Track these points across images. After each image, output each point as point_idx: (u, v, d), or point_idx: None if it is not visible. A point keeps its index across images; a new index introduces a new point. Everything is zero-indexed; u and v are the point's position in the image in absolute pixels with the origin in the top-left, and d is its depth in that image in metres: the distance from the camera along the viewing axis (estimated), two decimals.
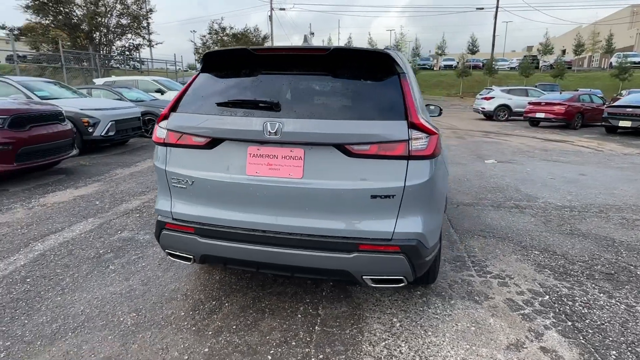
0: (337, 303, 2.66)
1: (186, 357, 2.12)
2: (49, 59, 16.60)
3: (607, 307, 2.64)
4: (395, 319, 2.48)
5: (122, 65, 20.09)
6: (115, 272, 3.07)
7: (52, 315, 2.49)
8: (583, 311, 2.59)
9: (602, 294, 2.82)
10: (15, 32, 16.96)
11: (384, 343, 2.25)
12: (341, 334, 2.32)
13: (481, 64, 42.11)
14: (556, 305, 2.66)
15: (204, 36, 31.91)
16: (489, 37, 39.89)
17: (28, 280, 2.92)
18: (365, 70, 2.20)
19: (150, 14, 21.75)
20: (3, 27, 16.05)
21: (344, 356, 2.14)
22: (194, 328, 2.37)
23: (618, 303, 2.70)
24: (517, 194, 5.51)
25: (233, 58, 2.33)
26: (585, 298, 2.76)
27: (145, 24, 21.67)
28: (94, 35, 18.83)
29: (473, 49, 40.96)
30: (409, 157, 2.00)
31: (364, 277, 2.11)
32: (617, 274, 3.12)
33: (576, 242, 3.79)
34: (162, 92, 13.05)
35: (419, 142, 2.02)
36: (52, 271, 3.06)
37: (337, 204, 2.05)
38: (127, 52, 21.59)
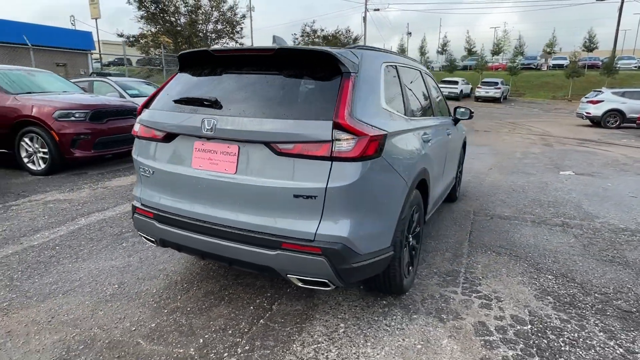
0: (295, 301, 2.68)
1: (134, 329, 2.35)
2: (152, 61, 19.00)
3: (598, 348, 2.24)
4: (342, 324, 2.42)
5: None
6: (125, 249, 3.48)
7: (57, 278, 2.94)
8: (562, 348, 2.23)
9: (602, 333, 2.38)
10: (131, 39, 19.88)
11: (315, 346, 2.22)
12: (280, 331, 2.35)
13: (599, 63, 36.91)
14: (533, 337, 2.33)
15: (297, 39, 33.35)
16: (612, 33, 34.60)
17: (57, 247, 3.47)
18: (308, 70, 2.19)
19: (243, 19, 23.59)
20: (120, 35, 18.92)
21: (269, 351, 2.17)
22: (155, 305, 2.61)
23: (616, 346, 2.26)
24: (574, 211, 4.83)
25: (199, 59, 2.50)
26: (576, 334, 2.37)
27: (239, 29, 23.59)
28: (194, 40, 21.03)
29: (590, 46, 36.13)
30: (332, 158, 1.96)
31: (288, 275, 2.11)
32: (637, 313, 2.60)
33: (610, 271, 3.23)
34: None
35: (345, 144, 1.95)
36: (78, 242, 3.59)
37: (263, 201, 2.09)
38: None
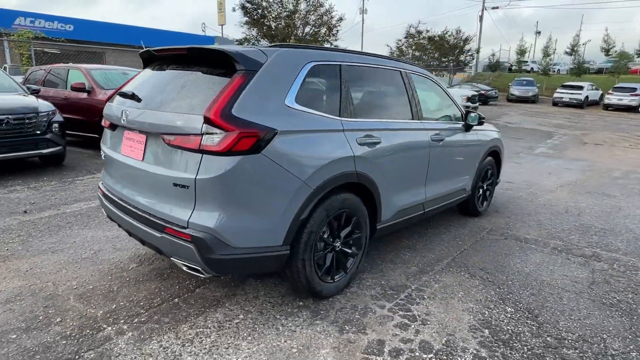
0: (220, 288, 2.81)
1: (75, 288, 2.76)
2: None
3: None
4: (242, 316, 2.49)
5: None
6: None
7: (58, 240, 3.56)
8: None
9: None
10: (235, 43, 22.01)
11: (200, 330, 2.34)
12: (183, 311, 2.52)
13: None
14: None
15: (400, 40, 32.74)
16: None
17: (79, 216, 4.17)
18: (212, 68, 2.31)
19: (340, 22, 24.09)
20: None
21: (158, 326, 2.36)
22: (107, 271, 3.00)
23: None
24: (622, 244, 3.99)
25: (148, 57, 2.80)
26: None
27: (335, 32, 24.17)
28: (288, 42, 22.41)
29: None
30: (201, 151, 2.05)
31: (172, 258, 2.27)
32: None
33: (599, 315, 2.64)
34: None
35: (212, 138, 2.03)
36: (96, 214, 4.23)
37: (155, 187, 2.28)
38: None
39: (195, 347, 2.19)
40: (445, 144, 3.65)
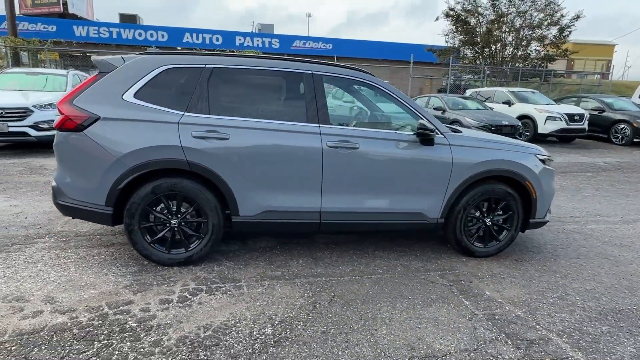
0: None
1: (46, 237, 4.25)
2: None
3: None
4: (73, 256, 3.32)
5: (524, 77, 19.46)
6: None
7: None
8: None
9: None
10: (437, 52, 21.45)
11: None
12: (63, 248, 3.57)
13: None
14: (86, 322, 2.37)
15: None
16: None
17: None
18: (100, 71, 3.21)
19: (576, 21, 18.94)
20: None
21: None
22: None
23: None
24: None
25: None
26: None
27: (567, 33, 19.19)
28: (492, 48, 19.74)
29: None
30: (57, 128, 3.00)
31: None
32: None
33: None
34: (510, 104, 12.53)
35: (57, 119, 2.95)
36: None
37: None
38: (538, 63, 20.37)
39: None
40: (364, 154, 3.24)
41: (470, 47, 20.76)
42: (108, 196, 2.99)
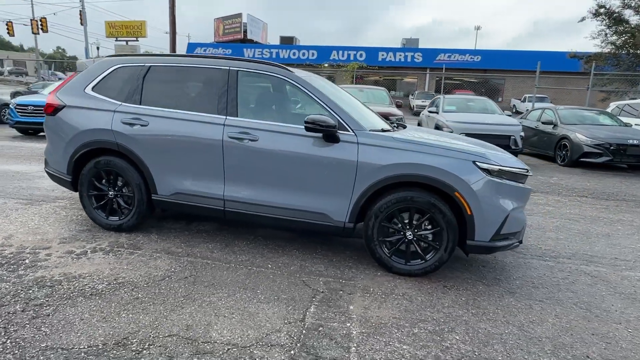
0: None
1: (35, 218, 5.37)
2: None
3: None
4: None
5: None
6: None
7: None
8: None
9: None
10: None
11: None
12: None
13: None
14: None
15: None
16: None
17: None
18: None
19: None
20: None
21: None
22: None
23: None
24: None
25: None
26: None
27: None
28: None
29: None
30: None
31: None
32: None
33: None
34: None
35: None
36: None
37: None
38: None
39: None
40: (263, 146, 3.28)
41: (628, 51, 16.43)
42: (68, 166, 3.81)
